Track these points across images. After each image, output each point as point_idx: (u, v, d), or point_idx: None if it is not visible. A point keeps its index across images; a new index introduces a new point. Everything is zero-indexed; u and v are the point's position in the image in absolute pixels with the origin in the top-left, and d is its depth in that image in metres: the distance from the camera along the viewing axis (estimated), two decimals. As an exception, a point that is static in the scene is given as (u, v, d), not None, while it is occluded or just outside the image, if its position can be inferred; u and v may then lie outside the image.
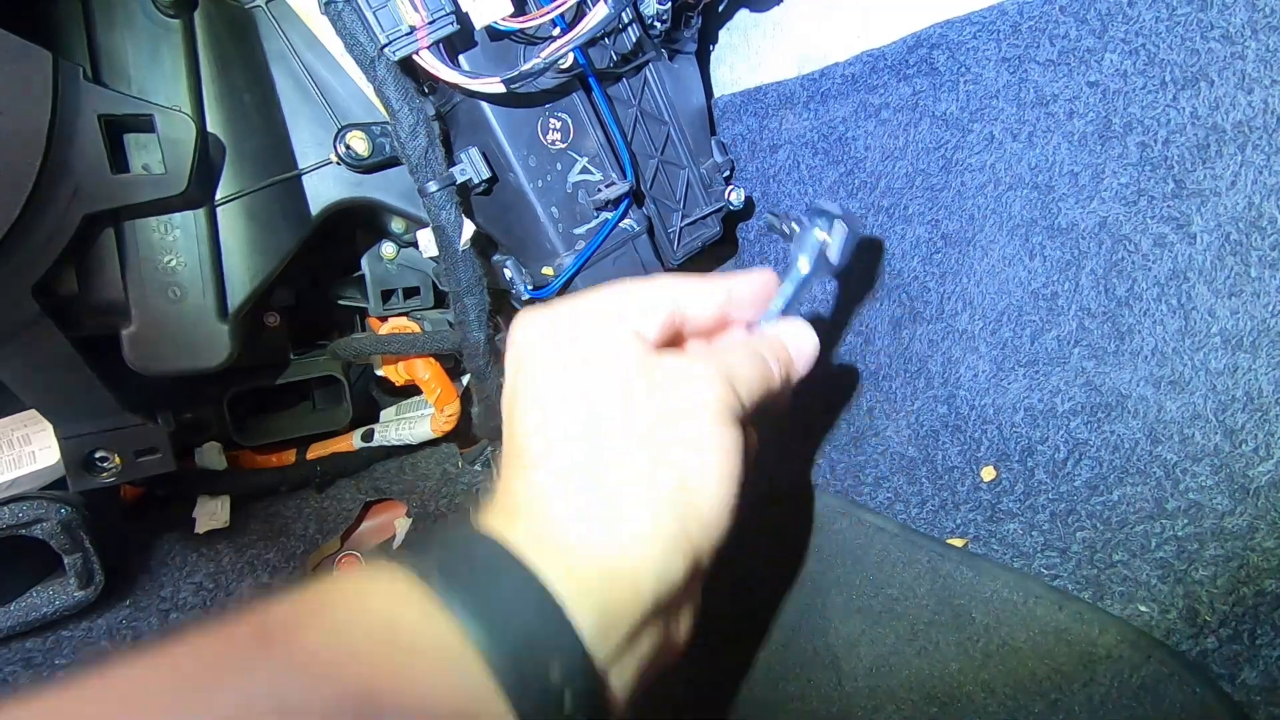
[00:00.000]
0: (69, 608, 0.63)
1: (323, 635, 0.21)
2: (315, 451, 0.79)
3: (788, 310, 0.38)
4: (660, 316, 0.33)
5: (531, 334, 0.32)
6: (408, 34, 0.47)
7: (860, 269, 0.62)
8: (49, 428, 0.59)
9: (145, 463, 0.61)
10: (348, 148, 0.60)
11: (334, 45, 0.59)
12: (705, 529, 0.30)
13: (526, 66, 0.49)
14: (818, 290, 0.67)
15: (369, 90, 0.56)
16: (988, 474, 0.52)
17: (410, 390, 0.78)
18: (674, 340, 0.34)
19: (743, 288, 0.36)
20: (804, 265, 0.39)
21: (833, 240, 0.39)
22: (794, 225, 0.40)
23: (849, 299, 0.64)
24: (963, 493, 0.53)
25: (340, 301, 0.78)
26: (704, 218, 0.68)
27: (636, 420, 0.29)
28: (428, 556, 0.24)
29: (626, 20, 0.56)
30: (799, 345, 0.37)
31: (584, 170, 0.58)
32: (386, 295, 0.73)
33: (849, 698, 0.46)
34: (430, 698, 0.20)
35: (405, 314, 0.74)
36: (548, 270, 0.58)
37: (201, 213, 0.56)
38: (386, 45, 0.47)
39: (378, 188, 0.63)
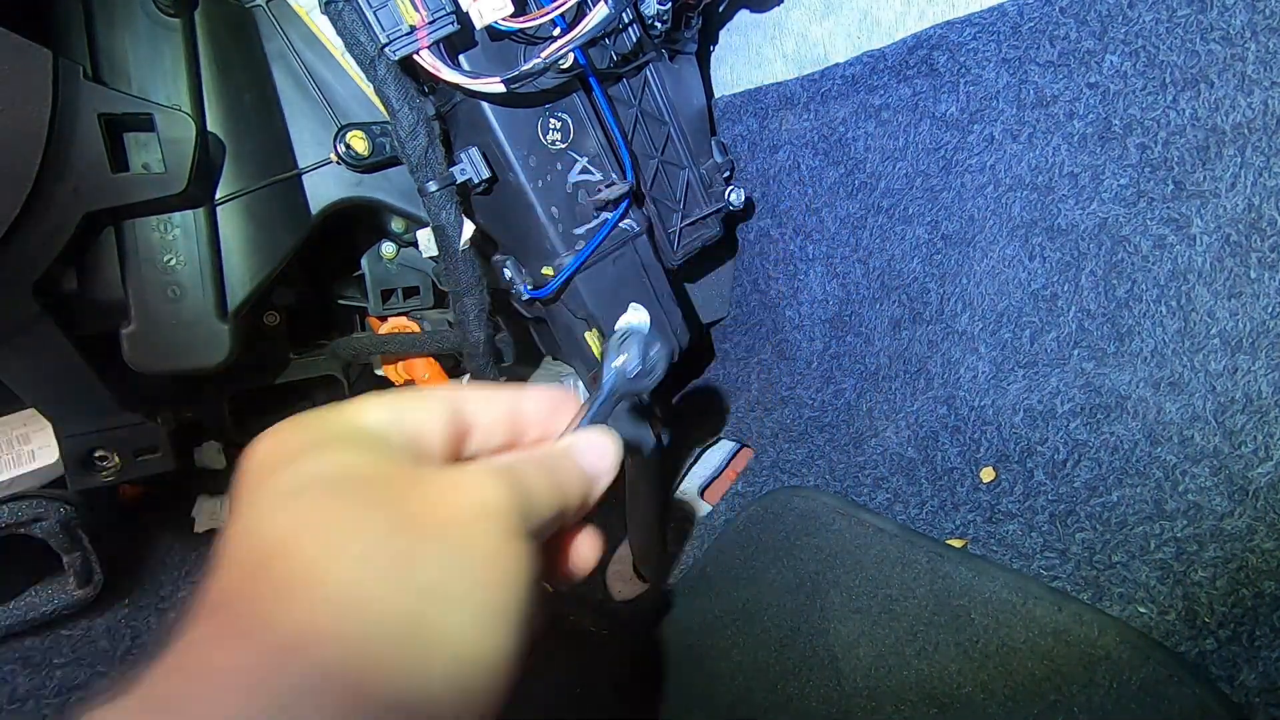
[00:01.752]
0: (68, 607, 0.63)
1: None
2: (315, 451, 0.79)
3: (595, 422, 0.34)
4: (439, 423, 0.27)
5: (265, 458, 0.24)
6: (408, 34, 0.47)
7: (860, 270, 0.62)
8: (48, 426, 0.58)
9: (144, 462, 0.61)
10: (348, 147, 0.60)
11: (334, 44, 0.59)
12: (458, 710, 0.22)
13: (527, 66, 0.49)
14: (816, 288, 0.67)
15: (369, 90, 0.56)
16: (987, 475, 0.52)
17: (410, 390, 0.78)
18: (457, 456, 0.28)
19: (531, 403, 0.31)
20: (603, 382, 0.36)
21: (630, 356, 0.36)
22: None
23: (849, 299, 0.64)
24: (962, 494, 0.53)
25: (340, 301, 0.78)
26: (704, 218, 0.68)
27: (388, 600, 0.21)
28: None
29: (627, 20, 0.56)
30: (594, 460, 0.31)
31: (584, 170, 0.58)
32: (386, 295, 0.73)
33: (848, 698, 0.45)
34: None
35: (405, 314, 0.74)
36: (547, 270, 0.58)
37: (201, 212, 0.56)
38: (387, 45, 0.47)
39: (378, 187, 0.63)
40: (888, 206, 0.59)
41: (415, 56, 0.48)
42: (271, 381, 0.74)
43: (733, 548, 0.61)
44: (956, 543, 0.50)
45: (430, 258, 0.67)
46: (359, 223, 0.71)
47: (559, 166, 0.56)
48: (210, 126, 0.56)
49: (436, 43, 0.48)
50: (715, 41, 0.72)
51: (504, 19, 0.48)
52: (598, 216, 0.59)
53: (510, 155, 0.54)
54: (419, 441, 0.26)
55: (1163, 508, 0.43)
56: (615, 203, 0.58)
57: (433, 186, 0.54)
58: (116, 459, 0.60)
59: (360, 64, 0.51)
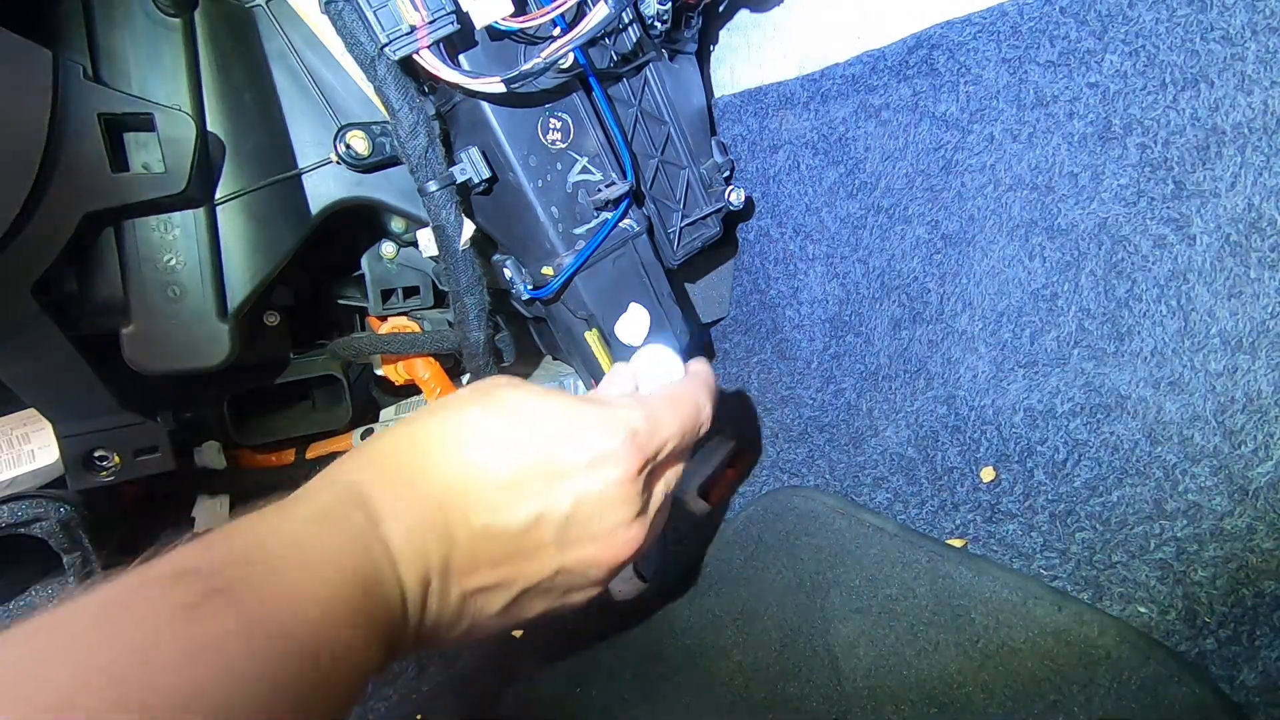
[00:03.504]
0: (68, 607, 0.63)
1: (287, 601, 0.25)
2: (315, 451, 0.79)
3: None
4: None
5: (481, 383, 0.37)
6: (408, 33, 0.47)
7: (860, 270, 0.62)
8: (48, 426, 0.59)
9: (144, 461, 0.61)
10: (348, 147, 0.60)
11: (334, 44, 0.59)
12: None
13: (527, 66, 0.49)
14: (816, 288, 0.67)
15: (369, 89, 0.56)
16: (987, 475, 0.52)
17: (410, 390, 0.78)
18: None
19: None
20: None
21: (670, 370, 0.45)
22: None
23: (849, 299, 0.64)
24: (962, 493, 0.53)
25: (340, 301, 0.78)
26: (704, 218, 0.68)
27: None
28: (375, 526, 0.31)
29: (627, 20, 0.56)
30: (699, 391, 0.42)
31: (584, 170, 0.58)
32: (386, 295, 0.73)
33: (848, 698, 0.45)
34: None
35: (405, 314, 0.74)
36: (547, 270, 0.58)
37: (201, 212, 0.56)
38: (387, 45, 0.47)
39: (378, 187, 0.63)
40: (888, 206, 0.59)
41: (415, 56, 0.48)
42: (271, 381, 0.74)
43: (733, 548, 0.61)
44: (956, 543, 0.50)
45: (430, 258, 0.67)
46: (359, 223, 0.71)
47: (559, 166, 0.56)
48: (210, 126, 0.56)
49: (436, 42, 0.48)
50: (715, 41, 0.72)
51: (504, 19, 0.48)
52: (598, 216, 0.59)
53: (510, 155, 0.54)
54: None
55: (1163, 507, 0.43)
56: (615, 203, 0.58)
57: (433, 186, 0.54)
58: (116, 459, 0.60)
59: (360, 64, 0.51)
